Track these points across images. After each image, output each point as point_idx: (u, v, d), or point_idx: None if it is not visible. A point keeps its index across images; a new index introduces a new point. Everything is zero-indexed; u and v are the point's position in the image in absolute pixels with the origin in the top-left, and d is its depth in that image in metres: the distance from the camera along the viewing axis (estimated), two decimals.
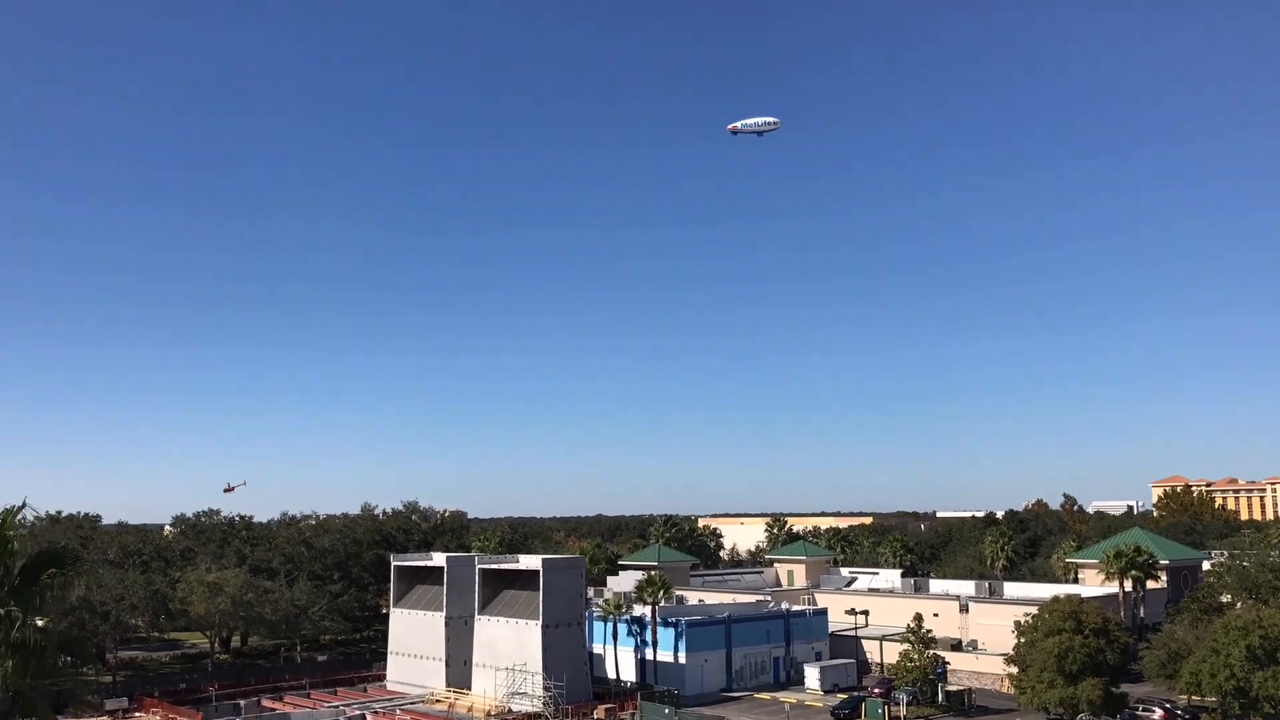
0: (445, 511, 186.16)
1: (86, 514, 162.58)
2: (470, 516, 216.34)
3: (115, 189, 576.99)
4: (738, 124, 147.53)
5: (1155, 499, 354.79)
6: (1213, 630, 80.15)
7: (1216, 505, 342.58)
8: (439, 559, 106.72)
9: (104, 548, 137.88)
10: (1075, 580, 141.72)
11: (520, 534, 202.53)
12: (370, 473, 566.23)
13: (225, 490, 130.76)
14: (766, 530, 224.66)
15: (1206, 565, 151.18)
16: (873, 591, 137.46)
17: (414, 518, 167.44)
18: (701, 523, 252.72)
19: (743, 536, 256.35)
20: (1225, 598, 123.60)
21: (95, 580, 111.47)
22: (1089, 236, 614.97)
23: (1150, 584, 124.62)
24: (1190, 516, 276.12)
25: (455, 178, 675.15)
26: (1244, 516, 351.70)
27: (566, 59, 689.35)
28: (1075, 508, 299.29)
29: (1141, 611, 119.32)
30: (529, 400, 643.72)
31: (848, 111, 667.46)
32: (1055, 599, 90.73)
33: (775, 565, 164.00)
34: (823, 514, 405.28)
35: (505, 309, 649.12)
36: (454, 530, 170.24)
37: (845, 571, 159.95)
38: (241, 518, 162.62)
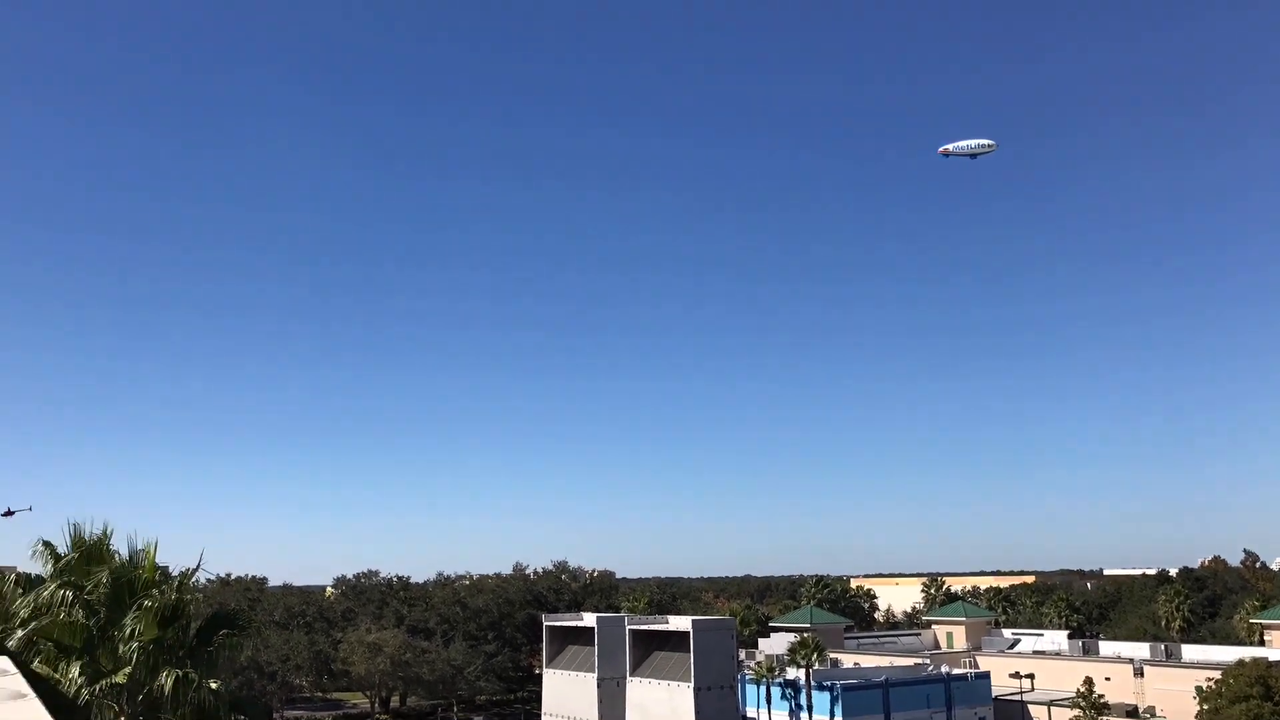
0: (594, 571, 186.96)
1: (254, 576, 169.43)
2: (618, 576, 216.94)
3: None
4: (949, 146, 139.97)
5: None
6: None
7: None
8: (590, 619, 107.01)
9: (270, 609, 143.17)
10: (1261, 642, 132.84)
11: (668, 594, 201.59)
12: (521, 531, 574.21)
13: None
14: (923, 590, 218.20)
15: None
16: (1037, 654, 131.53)
17: (564, 577, 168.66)
18: (854, 583, 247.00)
19: (897, 597, 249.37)
20: None
21: (262, 641, 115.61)
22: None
23: None
24: None
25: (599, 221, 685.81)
26: None
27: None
28: (1258, 564, 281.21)
29: None
30: (674, 460, 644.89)
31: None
32: (1240, 663, 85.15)
33: (933, 627, 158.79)
34: (981, 573, 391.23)
35: (655, 369, 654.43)
36: (603, 590, 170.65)
37: (1007, 633, 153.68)
38: (399, 578, 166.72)
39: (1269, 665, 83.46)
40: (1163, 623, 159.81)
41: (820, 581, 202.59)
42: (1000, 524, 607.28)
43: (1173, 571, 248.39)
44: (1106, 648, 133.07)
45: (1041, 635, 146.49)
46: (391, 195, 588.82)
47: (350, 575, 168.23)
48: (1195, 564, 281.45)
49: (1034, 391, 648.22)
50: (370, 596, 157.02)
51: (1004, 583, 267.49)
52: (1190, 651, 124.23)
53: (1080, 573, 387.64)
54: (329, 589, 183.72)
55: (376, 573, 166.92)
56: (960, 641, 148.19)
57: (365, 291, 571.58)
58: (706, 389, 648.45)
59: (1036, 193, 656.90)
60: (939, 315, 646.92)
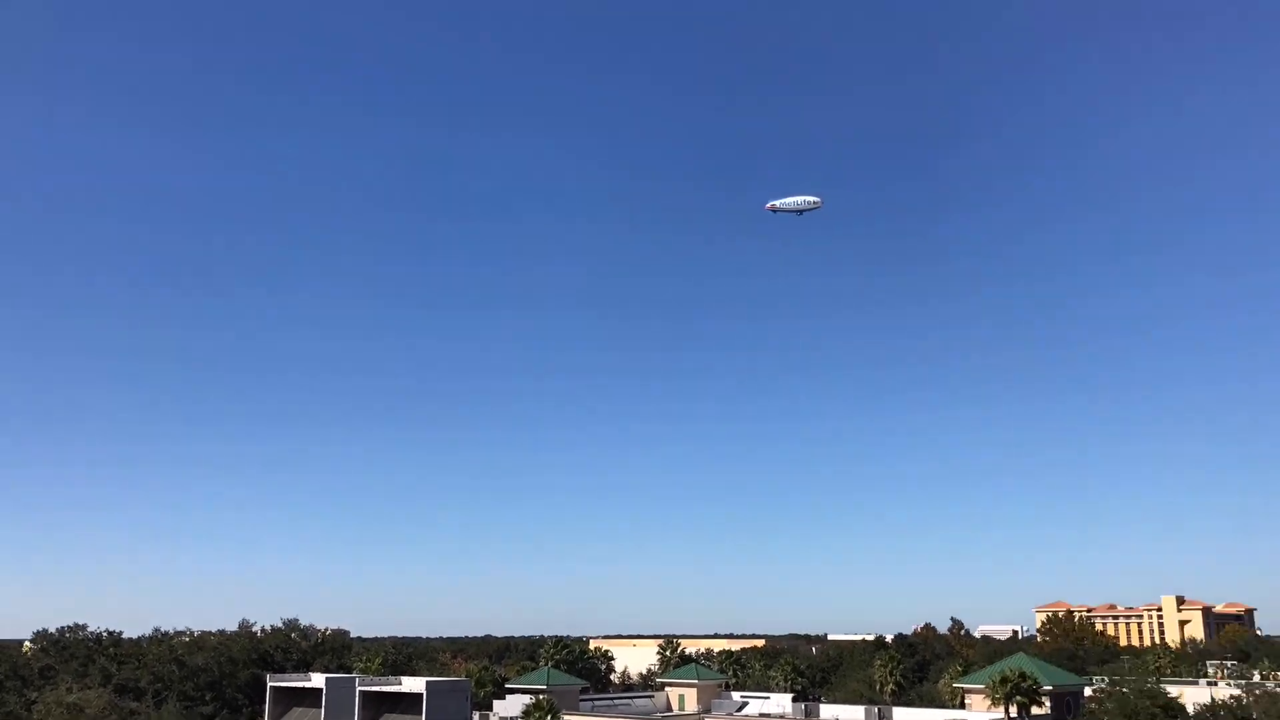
0: (327, 630, 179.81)
1: None
2: (353, 635, 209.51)
3: None
4: (776, 202, 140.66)
5: (1039, 624, 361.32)
6: None
7: (1097, 630, 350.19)
8: (318, 680, 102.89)
9: None
10: (962, 705, 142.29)
11: (404, 654, 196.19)
12: (248, 586, 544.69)
13: None
14: (658, 652, 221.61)
15: (1088, 691, 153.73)
16: (764, 716, 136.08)
17: (294, 635, 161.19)
18: (593, 644, 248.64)
19: (635, 659, 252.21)
20: None
21: None
22: (971, 366, 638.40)
23: (1035, 709, 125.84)
24: (1072, 642, 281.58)
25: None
26: (1123, 642, 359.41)
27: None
28: (962, 631, 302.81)
29: None
30: (416, 516, 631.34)
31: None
32: None
33: (666, 689, 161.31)
34: (716, 635, 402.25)
35: (402, 420, 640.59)
36: (335, 650, 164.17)
37: (737, 695, 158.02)
38: (109, 633, 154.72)
39: None
40: (877, 686, 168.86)
41: (559, 642, 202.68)
42: (736, 589, 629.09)
43: (889, 637, 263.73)
44: (826, 710, 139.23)
45: (768, 698, 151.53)
46: None
47: (53, 629, 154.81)
48: (909, 631, 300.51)
49: (762, 463, 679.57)
50: (74, 652, 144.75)
51: (736, 645, 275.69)
52: (900, 714, 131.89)
53: (807, 637, 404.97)
54: (27, 644, 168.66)
55: (84, 626, 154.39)
56: (692, 704, 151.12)
57: None
58: (437, 452, 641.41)
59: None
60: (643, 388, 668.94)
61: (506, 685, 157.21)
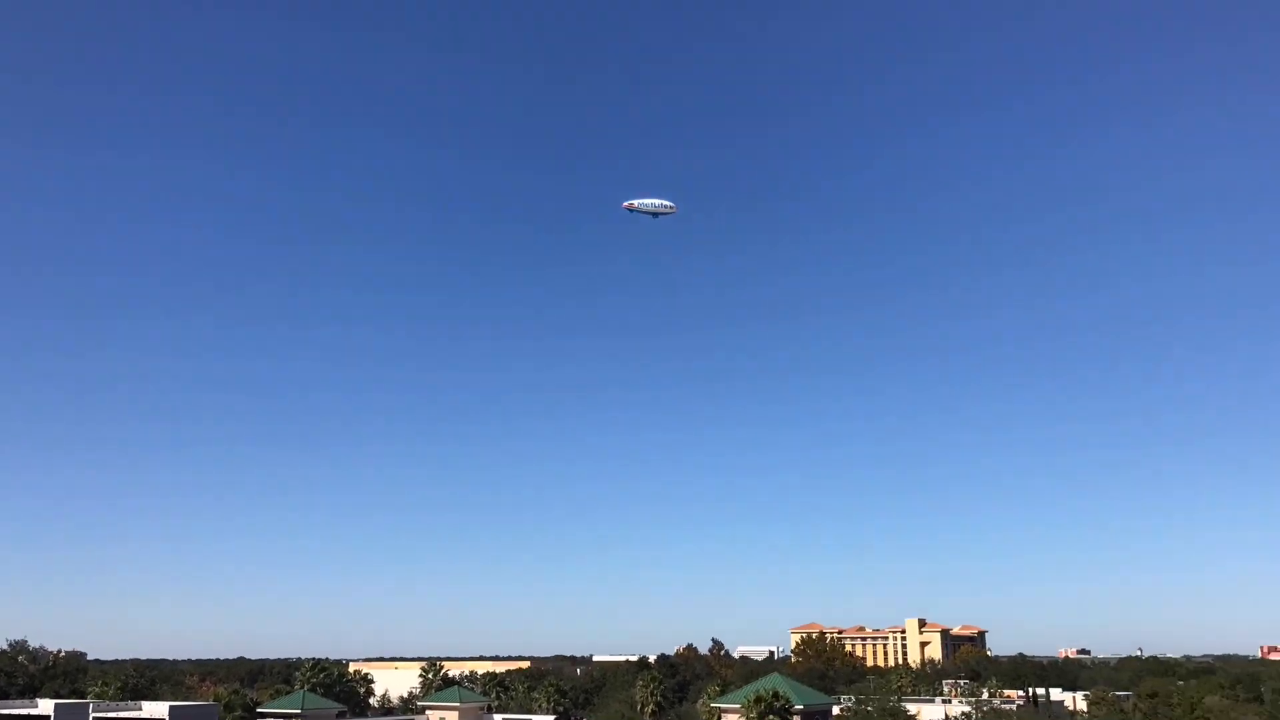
0: (59, 652, 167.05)
1: None
2: (90, 658, 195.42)
3: None
4: (634, 202, 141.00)
5: (794, 644, 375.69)
6: None
7: (847, 651, 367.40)
8: (45, 706, 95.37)
9: None
10: None
11: (147, 678, 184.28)
12: None
13: None
14: (421, 675, 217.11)
15: (836, 710, 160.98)
16: None
17: (20, 658, 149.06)
18: (353, 667, 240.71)
19: (397, 682, 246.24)
20: None
21: None
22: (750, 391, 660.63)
23: None
24: (824, 662, 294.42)
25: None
26: (870, 663, 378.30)
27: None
28: (722, 652, 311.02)
29: None
30: (163, 531, 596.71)
31: None
32: None
33: (427, 712, 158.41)
34: (481, 658, 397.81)
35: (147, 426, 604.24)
36: (68, 673, 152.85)
37: (499, 718, 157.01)
38: None
39: None
40: (639, 706, 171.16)
41: (317, 665, 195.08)
42: (502, 611, 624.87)
43: (652, 658, 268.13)
44: None
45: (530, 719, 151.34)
46: None
47: None
48: (672, 651, 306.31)
49: (527, 485, 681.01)
50: None
51: (501, 667, 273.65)
52: None
53: (573, 659, 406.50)
54: None
55: None
56: None
57: None
58: (175, 469, 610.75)
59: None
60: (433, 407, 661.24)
61: (258, 710, 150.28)
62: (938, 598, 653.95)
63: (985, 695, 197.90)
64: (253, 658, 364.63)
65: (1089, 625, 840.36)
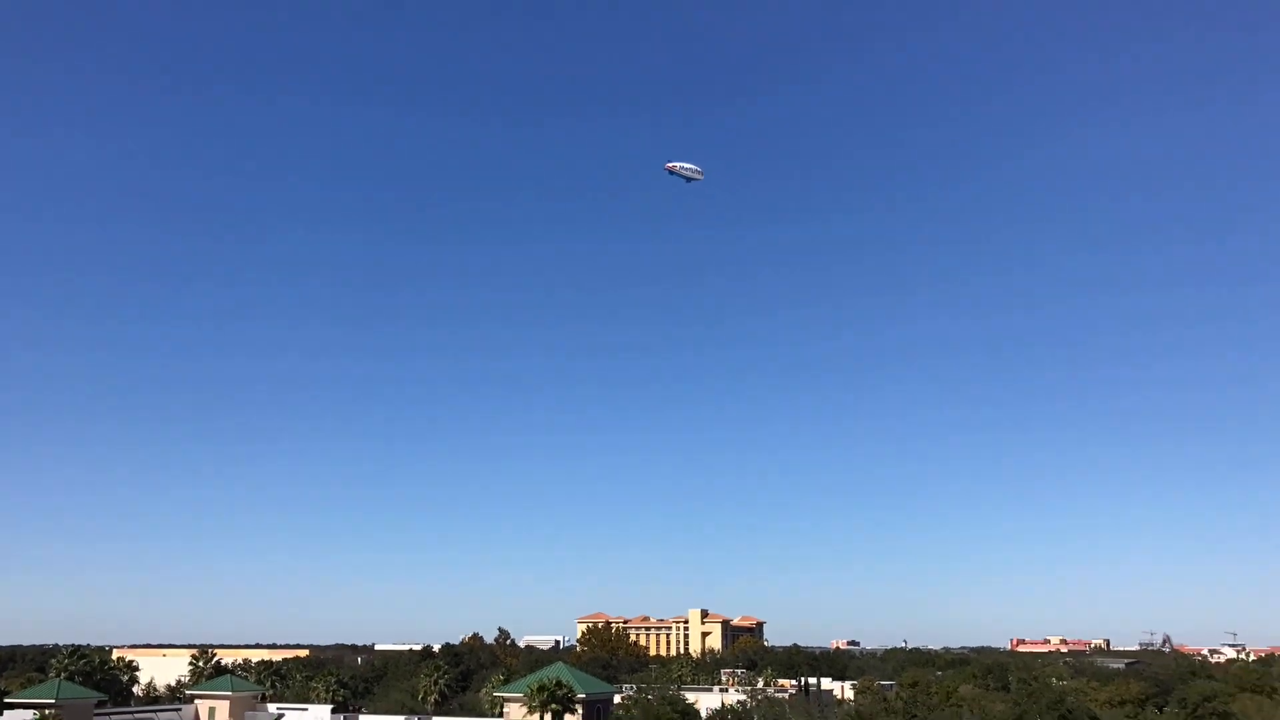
0: None
1: None
2: None
3: None
4: (675, 164, 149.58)
5: (580, 634, 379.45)
6: None
7: (631, 640, 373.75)
8: None
9: None
10: (501, 713, 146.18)
11: None
12: None
13: None
14: (191, 663, 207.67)
15: (618, 698, 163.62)
16: None
17: None
18: (116, 654, 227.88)
19: (165, 670, 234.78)
20: None
21: None
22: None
23: (569, 717, 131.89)
24: (608, 651, 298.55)
25: None
26: (653, 652, 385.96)
27: None
28: (508, 641, 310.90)
29: None
30: None
31: None
32: None
33: (196, 701, 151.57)
34: (258, 645, 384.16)
35: None
36: None
37: (273, 708, 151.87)
38: None
39: None
40: (421, 696, 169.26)
41: (76, 652, 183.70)
42: (281, 597, 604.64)
43: (436, 647, 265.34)
44: None
45: (306, 710, 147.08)
46: None
47: None
48: (458, 640, 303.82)
49: (312, 472, 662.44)
50: None
51: (278, 656, 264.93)
52: None
53: (354, 647, 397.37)
54: None
55: None
56: (223, 717, 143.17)
57: None
58: None
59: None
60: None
61: (6, 700, 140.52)
62: (720, 589, 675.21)
63: (760, 684, 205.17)
64: (2, 644, 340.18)
65: (860, 618, 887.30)
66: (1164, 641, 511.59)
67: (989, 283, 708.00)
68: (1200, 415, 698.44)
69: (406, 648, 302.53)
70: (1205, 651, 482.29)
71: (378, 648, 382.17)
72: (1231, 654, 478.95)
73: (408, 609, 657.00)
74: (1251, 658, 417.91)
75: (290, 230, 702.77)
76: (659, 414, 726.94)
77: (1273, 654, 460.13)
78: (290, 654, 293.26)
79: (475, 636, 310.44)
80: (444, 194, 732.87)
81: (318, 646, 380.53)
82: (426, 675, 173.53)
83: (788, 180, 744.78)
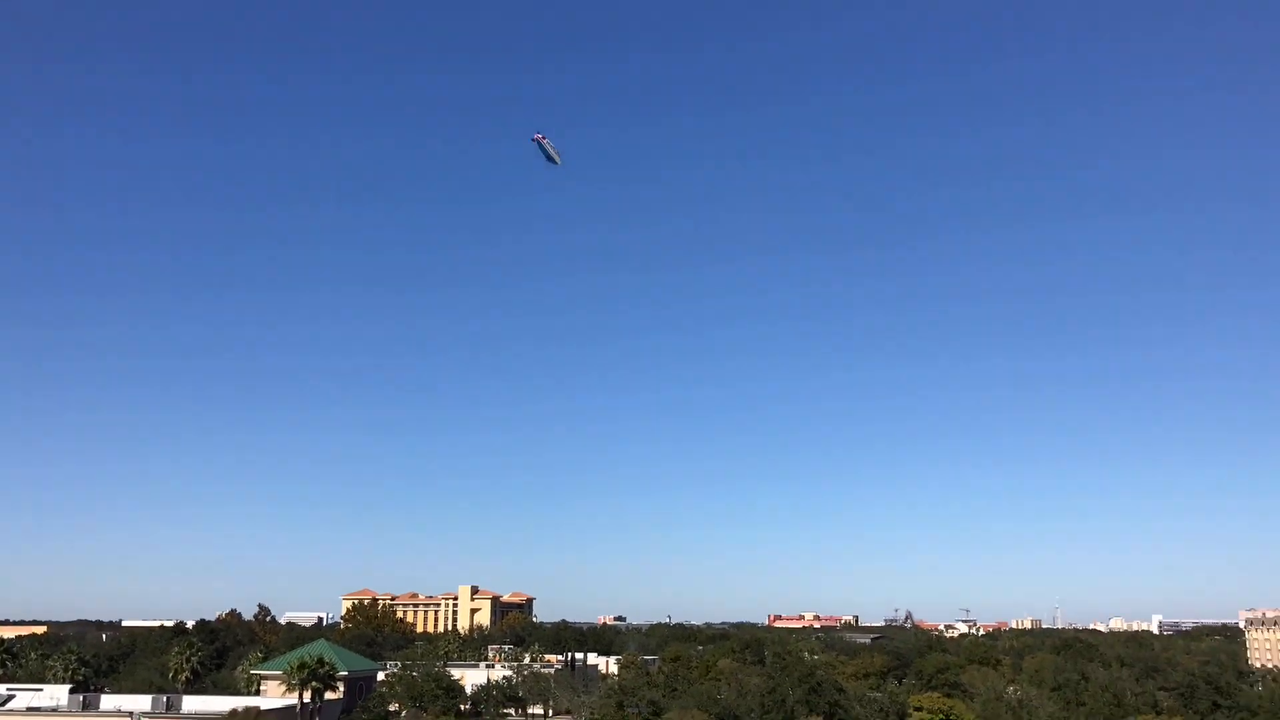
0: None
1: None
2: None
3: None
4: (543, 138, 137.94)
5: (345, 611, 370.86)
6: None
7: (398, 617, 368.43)
8: None
9: None
10: (258, 691, 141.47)
11: None
12: None
13: None
14: None
15: (382, 675, 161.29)
16: (32, 710, 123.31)
17: None
18: None
19: None
20: (394, 706, 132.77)
21: None
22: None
23: (330, 695, 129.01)
24: (373, 628, 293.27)
25: None
26: (421, 629, 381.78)
27: None
28: (268, 618, 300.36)
29: None
30: None
31: None
32: (234, 712, 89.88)
33: None
34: None
35: None
36: None
37: (3, 688, 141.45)
38: None
39: (259, 714, 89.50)
40: (171, 674, 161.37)
41: None
42: (13, 571, 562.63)
43: (190, 624, 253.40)
44: (108, 700, 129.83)
45: (41, 690, 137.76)
46: None
47: None
48: (214, 617, 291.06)
49: (73, 442, 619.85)
50: None
51: (10, 632, 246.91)
52: (191, 702, 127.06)
53: (98, 623, 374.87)
54: None
55: None
56: None
57: None
58: None
59: None
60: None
61: None
62: (492, 567, 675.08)
63: (527, 659, 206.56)
64: None
65: (627, 596, 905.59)
66: (906, 618, 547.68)
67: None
68: (945, 411, 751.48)
69: (157, 624, 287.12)
70: (942, 627, 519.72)
71: (125, 624, 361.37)
72: (964, 629, 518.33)
73: (160, 585, 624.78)
74: (981, 632, 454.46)
75: None
76: (429, 392, 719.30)
77: (1000, 629, 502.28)
78: (25, 630, 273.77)
79: (233, 613, 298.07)
80: None
81: (57, 623, 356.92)
82: (178, 652, 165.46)
83: None
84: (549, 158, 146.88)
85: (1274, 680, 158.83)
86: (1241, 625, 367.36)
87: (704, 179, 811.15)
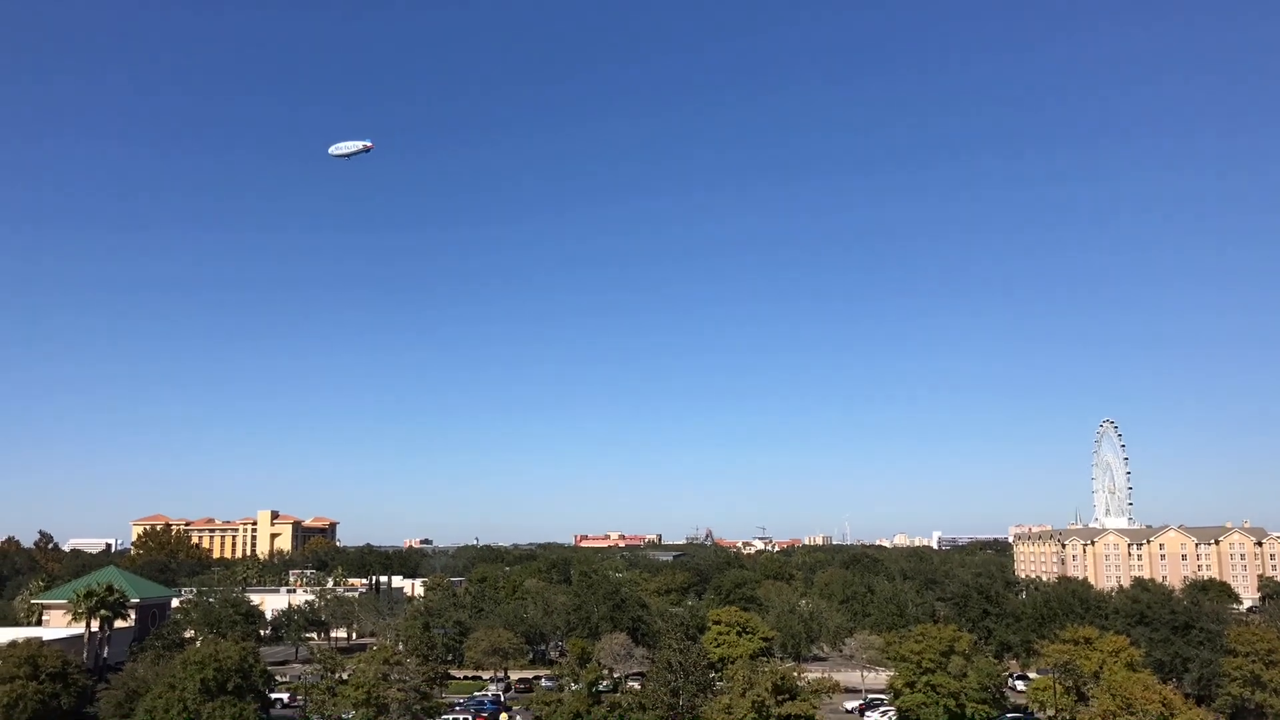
0: None
1: None
2: None
3: None
4: (337, 147, 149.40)
5: (135, 537, 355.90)
6: (172, 666, 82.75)
7: (194, 543, 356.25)
8: None
9: None
10: (40, 622, 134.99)
11: None
12: None
13: None
14: None
15: (176, 602, 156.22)
16: None
17: None
18: None
19: None
20: (189, 634, 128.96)
21: None
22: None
23: (120, 623, 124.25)
24: (167, 555, 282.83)
25: None
26: (218, 554, 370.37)
27: None
28: (51, 545, 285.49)
29: (106, 651, 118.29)
30: None
31: None
32: (13, 644, 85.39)
33: None
34: None
35: None
36: None
37: None
38: None
39: (42, 645, 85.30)
40: None
41: None
42: None
43: None
44: None
45: None
46: None
47: None
48: None
49: None
50: None
51: None
52: None
53: None
54: None
55: None
56: None
57: None
58: None
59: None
60: None
61: None
62: (292, 491, 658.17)
63: (330, 584, 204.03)
64: None
65: (433, 518, 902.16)
66: (706, 535, 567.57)
67: None
68: (745, 342, 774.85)
69: None
70: (740, 544, 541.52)
71: None
72: (761, 546, 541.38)
73: None
74: (776, 549, 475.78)
75: None
76: (230, 305, 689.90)
77: (793, 545, 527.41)
78: None
79: (10, 540, 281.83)
80: None
81: None
82: None
83: None
84: (348, 155, 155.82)
85: (1035, 589, 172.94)
86: (1011, 540, 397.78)
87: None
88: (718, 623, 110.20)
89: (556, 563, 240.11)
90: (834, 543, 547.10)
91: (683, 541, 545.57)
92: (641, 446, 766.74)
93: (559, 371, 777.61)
